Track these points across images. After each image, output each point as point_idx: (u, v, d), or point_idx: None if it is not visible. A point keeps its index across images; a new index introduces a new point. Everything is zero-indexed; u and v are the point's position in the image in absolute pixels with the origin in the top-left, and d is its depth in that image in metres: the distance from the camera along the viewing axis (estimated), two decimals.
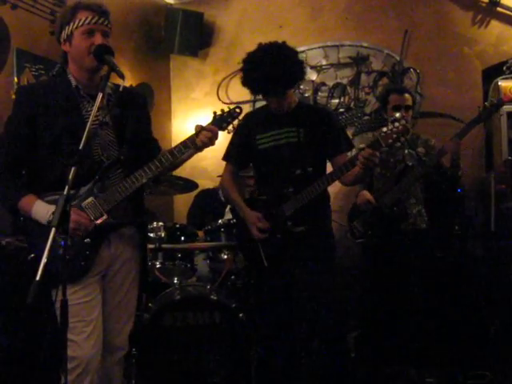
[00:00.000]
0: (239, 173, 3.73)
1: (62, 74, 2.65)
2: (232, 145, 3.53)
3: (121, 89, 2.58)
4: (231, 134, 3.10)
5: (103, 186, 2.54)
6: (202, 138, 2.57)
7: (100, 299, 2.61)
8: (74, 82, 2.59)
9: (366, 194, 4.03)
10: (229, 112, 2.66)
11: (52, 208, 2.33)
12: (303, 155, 3.29)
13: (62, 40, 2.56)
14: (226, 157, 3.57)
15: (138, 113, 2.75)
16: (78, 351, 2.46)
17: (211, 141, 2.59)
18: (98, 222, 2.51)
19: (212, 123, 2.63)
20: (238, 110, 2.67)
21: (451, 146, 3.80)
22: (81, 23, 2.49)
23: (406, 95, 4.01)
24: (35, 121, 2.52)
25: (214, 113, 2.66)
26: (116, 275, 2.68)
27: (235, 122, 2.71)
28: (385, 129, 2.92)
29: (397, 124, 2.89)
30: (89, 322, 2.52)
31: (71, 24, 2.51)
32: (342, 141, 3.41)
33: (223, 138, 2.80)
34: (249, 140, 3.42)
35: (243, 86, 3.32)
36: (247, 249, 3.51)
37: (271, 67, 3.13)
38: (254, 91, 3.35)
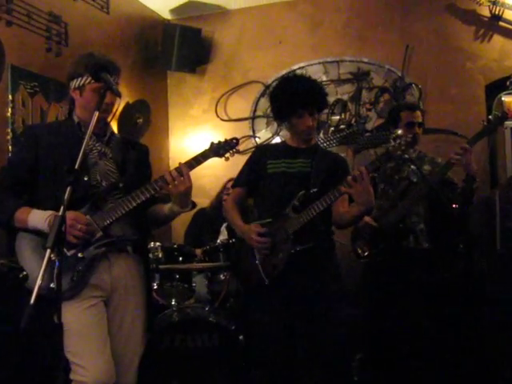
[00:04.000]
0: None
1: (68, 117, 2.81)
2: (242, 171, 3.52)
3: (119, 102, 2.75)
4: (228, 161, 3.08)
5: (100, 207, 2.59)
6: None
7: (105, 324, 2.60)
8: (76, 120, 2.73)
9: (365, 217, 3.99)
10: (225, 142, 2.81)
11: (49, 214, 2.40)
12: (311, 182, 3.24)
13: (72, 87, 2.68)
14: (234, 183, 3.56)
15: (139, 157, 2.89)
16: (85, 376, 2.45)
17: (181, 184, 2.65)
18: (93, 238, 2.54)
19: (209, 150, 2.78)
20: (234, 141, 2.82)
21: (459, 156, 3.67)
22: (93, 81, 2.60)
23: (418, 112, 3.98)
24: (37, 158, 2.61)
25: (212, 142, 2.81)
26: (119, 304, 2.66)
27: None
28: (393, 142, 2.96)
29: (404, 137, 2.95)
30: (95, 344, 2.51)
31: (85, 77, 2.61)
32: None
33: (220, 162, 2.94)
34: (259, 165, 3.41)
35: (274, 109, 3.37)
36: (245, 270, 3.40)
37: (308, 83, 3.29)
38: (291, 107, 3.27)
